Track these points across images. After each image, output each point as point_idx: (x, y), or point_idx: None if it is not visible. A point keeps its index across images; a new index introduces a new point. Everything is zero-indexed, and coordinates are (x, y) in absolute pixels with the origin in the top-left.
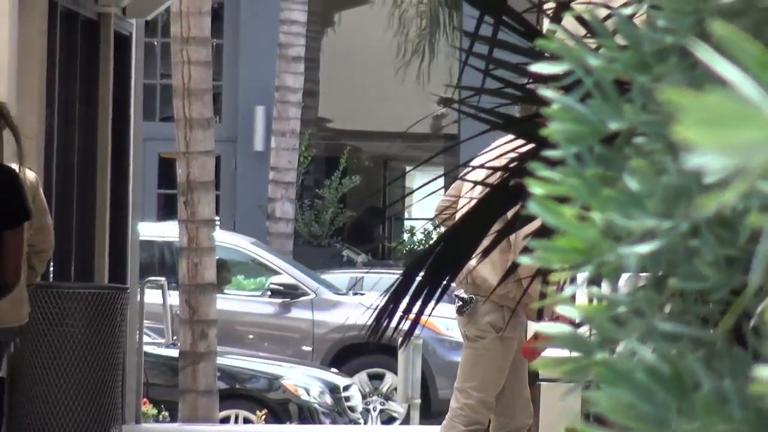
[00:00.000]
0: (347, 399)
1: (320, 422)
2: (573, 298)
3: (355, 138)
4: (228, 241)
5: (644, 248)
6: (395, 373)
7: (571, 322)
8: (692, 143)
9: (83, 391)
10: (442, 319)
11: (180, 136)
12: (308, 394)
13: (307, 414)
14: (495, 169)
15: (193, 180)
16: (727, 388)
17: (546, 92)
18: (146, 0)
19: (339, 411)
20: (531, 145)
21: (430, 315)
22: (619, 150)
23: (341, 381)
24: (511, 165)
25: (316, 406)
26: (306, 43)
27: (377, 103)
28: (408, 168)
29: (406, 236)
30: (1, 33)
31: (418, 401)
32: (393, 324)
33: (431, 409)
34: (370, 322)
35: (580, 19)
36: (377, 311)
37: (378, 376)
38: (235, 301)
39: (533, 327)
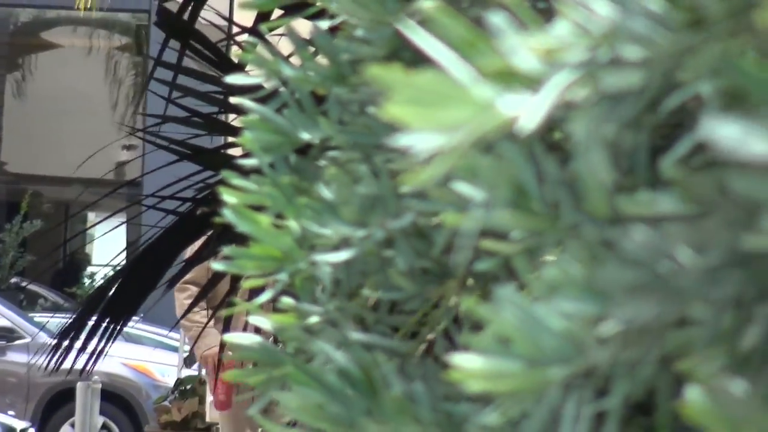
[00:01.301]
0: None
1: None
2: (264, 306)
3: (37, 183)
4: None
5: (337, 257)
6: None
7: (258, 331)
8: (401, 122)
9: None
10: (159, 365)
11: None
12: None
13: None
14: (181, 199)
15: None
16: (417, 390)
17: (244, 101)
18: None
19: None
20: (219, 176)
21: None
22: (313, 160)
23: (18, 424)
24: (199, 196)
25: None
26: None
27: (61, 148)
28: (90, 213)
29: (87, 281)
30: None
31: None
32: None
33: None
34: (47, 363)
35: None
36: (51, 351)
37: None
38: None
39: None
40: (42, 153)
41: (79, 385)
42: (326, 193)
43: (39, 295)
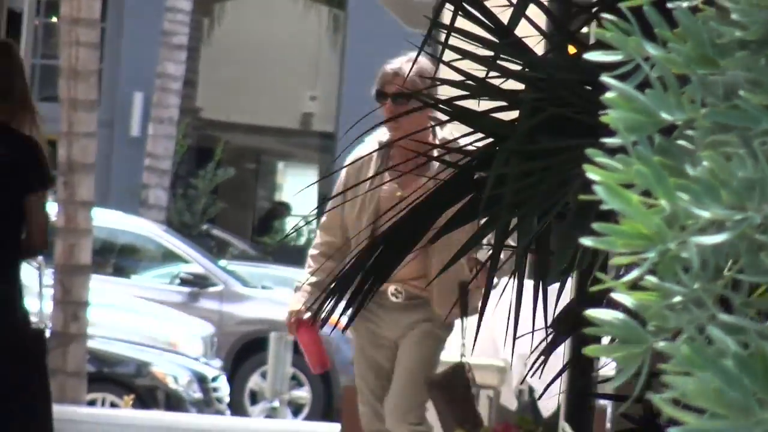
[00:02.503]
0: (215, 390)
1: (186, 411)
2: (630, 284)
3: (230, 130)
4: (138, 226)
5: (714, 239)
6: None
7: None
8: None
9: None
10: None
11: (63, 116)
12: (176, 383)
13: (174, 402)
14: (447, 163)
15: (74, 161)
16: None
17: (608, 80)
18: None
19: (206, 401)
20: (489, 140)
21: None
22: (675, 141)
23: (210, 372)
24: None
25: (183, 394)
26: (189, 32)
27: (254, 96)
28: (279, 162)
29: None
30: None
31: (287, 396)
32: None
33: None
34: (311, 312)
35: (634, 10)
36: (318, 302)
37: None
38: (144, 289)
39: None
40: (235, 100)
41: (273, 335)
42: (698, 174)
43: (229, 243)
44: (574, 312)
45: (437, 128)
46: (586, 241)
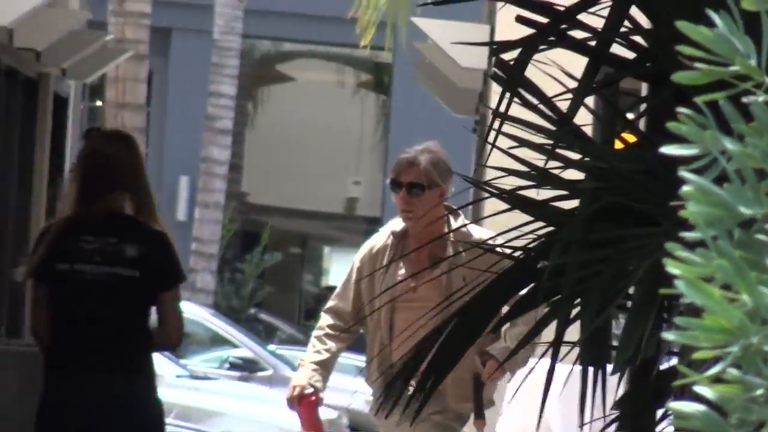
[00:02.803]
0: None
1: None
2: (713, 378)
3: (275, 214)
4: (187, 310)
5: None
6: None
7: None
8: None
9: None
10: None
11: None
12: None
13: None
14: (515, 248)
15: None
16: None
17: (683, 173)
18: (86, 63)
19: None
20: (549, 228)
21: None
22: (755, 235)
23: None
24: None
25: None
26: (233, 117)
27: (300, 181)
28: (325, 247)
29: None
30: None
31: None
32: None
33: None
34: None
35: (708, 103)
36: (385, 388)
37: None
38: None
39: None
40: (280, 184)
41: (326, 421)
42: None
43: (276, 328)
44: (631, 399)
45: (451, 219)
46: (669, 336)
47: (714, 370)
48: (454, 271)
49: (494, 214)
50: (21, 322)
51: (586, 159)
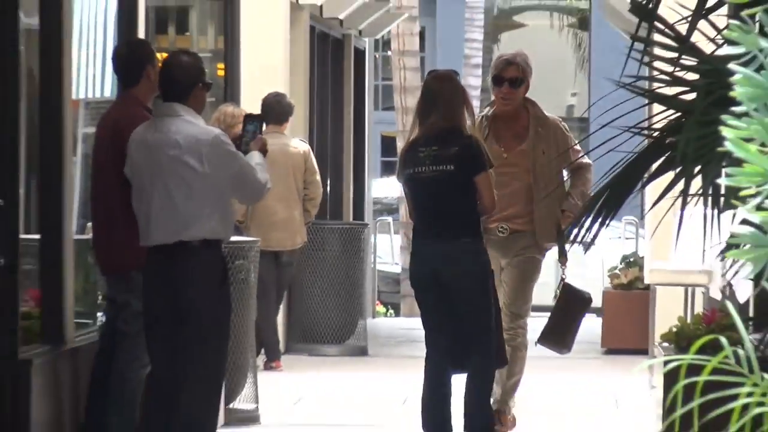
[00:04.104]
0: None
1: None
2: (758, 206)
3: None
4: None
5: None
6: None
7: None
8: None
9: (338, 294)
10: None
11: (398, 120)
12: None
13: None
14: (654, 129)
15: None
16: None
17: (733, 66)
18: (376, 24)
19: None
20: (677, 114)
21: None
22: None
23: None
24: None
25: None
26: (482, 55)
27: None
28: None
29: None
30: (279, 47)
31: None
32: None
33: None
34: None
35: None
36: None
37: None
38: None
39: None
40: None
41: None
42: None
43: None
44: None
45: (528, 106)
46: (724, 180)
47: (755, 202)
48: (536, 144)
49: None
50: None
51: (701, 64)
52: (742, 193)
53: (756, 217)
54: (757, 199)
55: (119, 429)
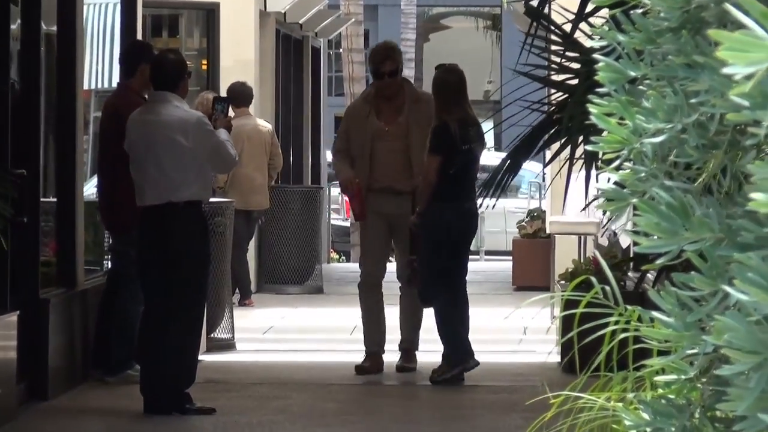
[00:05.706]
0: None
1: None
2: (617, 168)
3: None
4: None
5: (658, 139)
6: None
7: None
8: (726, 60)
9: (299, 244)
10: None
11: (347, 103)
12: None
13: None
14: (543, 103)
15: None
16: (710, 213)
17: (598, 56)
18: (329, 27)
19: None
20: (564, 95)
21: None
22: (636, 87)
23: None
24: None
25: None
26: (414, 51)
27: None
28: None
29: None
30: (250, 46)
31: None
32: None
33: None
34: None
35: (612, 17)
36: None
37: None
38: None
39: None
40: None
41: None
42: (648, 104)
43: None
44: None
45: (406, 85)
46: (589, 147)
47: (615, 164)
48: (411, 118)
49: (518, 99)
50: None
51: (581, 56)
52: (605, 156)
53: (616, 176)
54: (617, 162)
55: (121, 353)
